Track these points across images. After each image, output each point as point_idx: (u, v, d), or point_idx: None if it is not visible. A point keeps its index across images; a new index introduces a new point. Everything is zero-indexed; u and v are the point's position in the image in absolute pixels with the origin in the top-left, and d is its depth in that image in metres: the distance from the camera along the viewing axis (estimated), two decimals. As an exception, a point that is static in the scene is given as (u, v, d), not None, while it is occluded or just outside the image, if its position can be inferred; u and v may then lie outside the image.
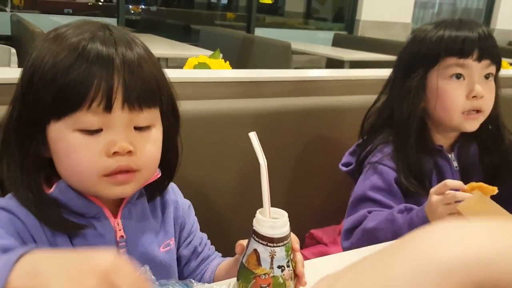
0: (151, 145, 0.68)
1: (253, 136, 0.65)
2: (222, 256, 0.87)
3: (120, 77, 0.62)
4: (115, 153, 0.63)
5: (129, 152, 0.64)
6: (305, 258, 1.19)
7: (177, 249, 0.82)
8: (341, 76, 1.53)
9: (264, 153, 0.64)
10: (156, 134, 0.69)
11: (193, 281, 0.67)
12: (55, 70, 0.62)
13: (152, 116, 0.67)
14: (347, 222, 1.05)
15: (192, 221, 0.85)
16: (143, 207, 0.75)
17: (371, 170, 1.07)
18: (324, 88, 1.45)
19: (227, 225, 0.93)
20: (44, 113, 0.64)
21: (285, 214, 0.65)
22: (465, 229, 0.37)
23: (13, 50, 2.83)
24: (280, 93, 1.33)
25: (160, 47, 3.10)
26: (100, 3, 5.15)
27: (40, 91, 0.63)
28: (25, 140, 0.66)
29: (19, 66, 2.57)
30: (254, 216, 0.64)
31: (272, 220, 0.64)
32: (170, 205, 0.80)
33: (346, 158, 1.19)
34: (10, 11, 4.13)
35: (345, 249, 1.03)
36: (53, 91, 0.62)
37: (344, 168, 1.17)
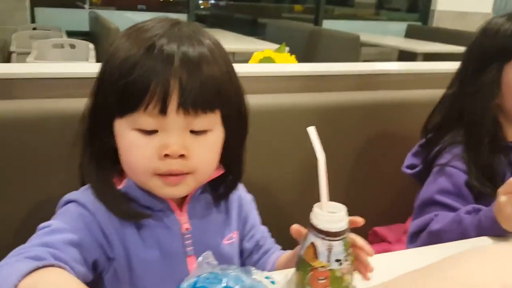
0: (206, 150, 0.68)
1: (311, 130, 0.65)
2: (282, 249, 0.88)
3: (177, 79, 0.62)
4: (166, 155, 0.64)
5: (182, 156, 0.65)
6: (367, 254, 1.16)
7: (240, 242, 0.84)
8: (411, 69, 1.48)
9: (326, 149, 0.64)
10: (212, 139, 0.69)
11: (252, 268, 0.69)
12: (121, 68, 0.64)
13: (209, 121, 0.67)
14: (413, 225, 1.02)
15: (254, 215, 0.87)
16: (206, 200, 0.77)
17: (439, 172, 1.02)
18: (392, 82, 1.41)
19: (287, 219, 0.94)
20: (111, 109, 0.66)
21: (343, 208, 0.65)
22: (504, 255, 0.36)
23: (91, 46, 3.00)
24: (345, 87, 1.32)
25: (227, 41, 3.15)
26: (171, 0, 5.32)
27: (108, 88, 0.66)
28: (99, 133, 0.69)
29: (96, 61, 2.73)
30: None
31: (329, 214, 0.64)
32: (233, 199, 0.81)
33: (409, 160, 1.15)
34: (89, 8, 4.36)
35: None
36: (117, 89, 0.64)
37: (408, 171, 1.13)
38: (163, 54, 0.63)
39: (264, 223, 0.89)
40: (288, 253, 0.84)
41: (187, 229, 0.73)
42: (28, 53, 2.69)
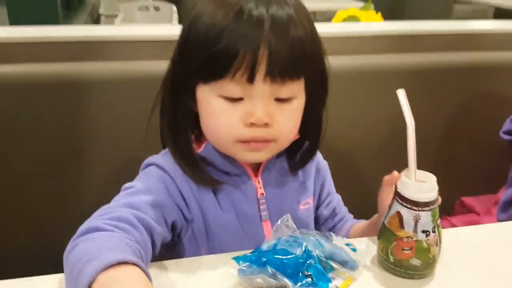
0: (289, 117, 0.67)
1: (401, 94, 0.61)
2: (356, 218, 0.87)
3: (266, 46, 0.60)
4: (251, 123, 0.64)
5: (266, 124, 0.64)
6: (454, 226, 1.12)
7: (317, 209, 0.83)
8: (509, 29, 1.34)
9: (414, 113, 0.61)
10: (296, 106, 0.67)
11: (332, 234, 0.68)
12: (208, 34, 0.62)
13: (294, 88, 0.65)
14: (507, 194, 0.95)
15: (330, 182, 0.85)
16: (282, 167, 0.76)
17: None
18: (489, 42, 1.30)
19: (364, 189, 0.91)
20: (194, 75, 0.65)
21: (433, 178, 0.61)
22: None
23: (175, 8, 3.06)
24: (436, 48, 1.23)
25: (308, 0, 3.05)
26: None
27: (193, 54, 0.65)
28: (179, 98, 0.69)
29: (179, 23, 2.77)
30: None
31: (418, 184, 0.60)
32: (311, 165, 0.80)
33: (508, 125, 1.07)
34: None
35: (500, 222, 0.95)
36: (203, 56, 0.63)
37: (506, 137, 1.06)
38: (252, 19, 0.61)
39: (338, 191, 0.87)
40: (363, 223, 0.82)
41: (262, 194, 0.73)
42: (116, 16, 2.80)
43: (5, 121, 0.95)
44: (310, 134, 0.74)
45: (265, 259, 0.58)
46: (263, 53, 0.60)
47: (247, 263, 0.59)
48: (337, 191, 0.87)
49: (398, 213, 0.61)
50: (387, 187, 0.70)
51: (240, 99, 0.64)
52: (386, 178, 0.71)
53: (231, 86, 0.63)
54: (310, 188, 0.80)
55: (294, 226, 0.67)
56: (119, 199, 0.65)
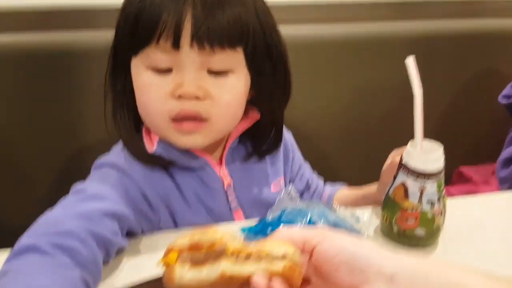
0: (225, 93, 0.62)
1: (411, 61, 0.60)
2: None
3: (190, 9, 0.57)
4: (179, 96, 0.60)
5: (197, 98, 0.60)
6: (452, 195, 1.13)
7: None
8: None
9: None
10: (233, 82, 0.62)
11: (336, 205, 0.68)
12: (131, 1, 0.60)
13: (229, 60, 0.60)
14: (507, 151, 0.95)
15: (298, 154, 0.82)
16: (247, 150, 0.72)
17: None
18: (496, 9, 1.26)
19: (327, 166, 0.90)
20: (125, 47, 0.62)
21: (440, 147, 0.61)
22: None
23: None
24: (439, 15, 1.20)
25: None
26: None
27: (122, 22, 0.62)
28: (119, 74, 0.65)
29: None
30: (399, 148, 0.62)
31: (424, 154, 0.60)
32: None
33: (508, 90, 1.06)
34: None
35: (501, 180, 0.95)
36: (129, 22, 0.60)
37: (504, 101, 1.04)
38: None
39: (345, 164, 0.86)
40: (348, 191, 0.80)
41: (228, 184, 0.69)
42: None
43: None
44: (267, 119, 0.70)
45: (271, 228, 0.58)
46: (187, 15, 0.57)
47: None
48: (344, 165, 0.85)
49: (403, 184, 0.61)
50: (393, 159, 0.68)
51: (169, 70, 0.60)
52: (394, 151, 0.69)
53: (157, 54, 0.59)
54: (280, 168, 0.76)
55: (298, 197, 0.67)
56: (69, 206, 0.57)
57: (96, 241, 0.53)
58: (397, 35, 1.11)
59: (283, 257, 0.37)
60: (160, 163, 0.65)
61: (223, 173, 0.69)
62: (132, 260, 0.60)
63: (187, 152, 0.66)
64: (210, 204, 0.68)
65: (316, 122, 1.09)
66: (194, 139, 0.63)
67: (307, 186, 0.82)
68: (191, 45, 0.58)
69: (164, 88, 0.60)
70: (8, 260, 0.49)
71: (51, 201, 0.58)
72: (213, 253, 0.38)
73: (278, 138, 0.73)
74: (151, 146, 0.66)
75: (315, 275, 0.40)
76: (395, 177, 0.63)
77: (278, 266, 0.37)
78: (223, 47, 0.59)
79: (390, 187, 0.63)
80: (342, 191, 0.83)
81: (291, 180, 0.80)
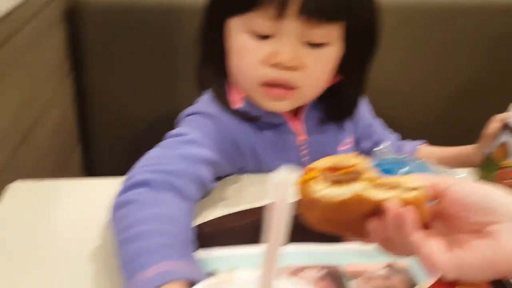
0: (320, 65, 0.61)
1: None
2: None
3: None
4: (274, 64, 0.60)
5: (291, 67, 0.60)
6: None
7: (357, 145, 0.80)
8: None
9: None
10: (329, 54, 0.62)
11: (428, 162, 0.70)
12: None
13: (329, 33, 0.60)
14: None
15: (367, 114, 0.81)
16: (324, 110, 0.72)
17: None
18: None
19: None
20: (227, 7, 0.62)
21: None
22: None
23: None
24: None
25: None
26: None
27: None
28: (214, 33, 0.64)
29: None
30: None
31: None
32: None
33: None
34: None
35: None
36: None
37: None
38: None
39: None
40: (433, 149, 0.79)
41: (303, 140, 0.70)
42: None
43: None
44: (350, 82, 0.69)
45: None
46: None
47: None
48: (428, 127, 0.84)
49: (505, 144, 0.63)
50: (495, 123, 0.68)
51: (267, 37, 0.59)
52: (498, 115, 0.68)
53: (259, 20, 0.58)
54: (350, 127, 0.77)
55: (392, 151, 0.70)
56: (172, 146, 0.59)
57: (196, 183, 0.57)
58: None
59: (415, 189, 0.38)
60: (245, 117, 0.67)
61: (299, 129, 0.70)
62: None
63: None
64: (285, 158, 0.69)
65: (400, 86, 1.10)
66: (281, 105, 0.65)
67: (376, 145, 0.82)
68: (297, 17, 0.57)
69: (259, 54, 0.60)
70: (122, 192, 0.53)
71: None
72: (350, 175, 0.39)
73: (357, 101, 0.73)
74: (237, 101, 0.67)
75: (436, 219, 0.40)
76: (496, 138, 0.65)
77: (411, 194, 0.37)
78: (329, 21, 0.59)
79: (491, 146, 0.65)
80: (426, 148, 0.82)
81: (358, 141, 0.80)
